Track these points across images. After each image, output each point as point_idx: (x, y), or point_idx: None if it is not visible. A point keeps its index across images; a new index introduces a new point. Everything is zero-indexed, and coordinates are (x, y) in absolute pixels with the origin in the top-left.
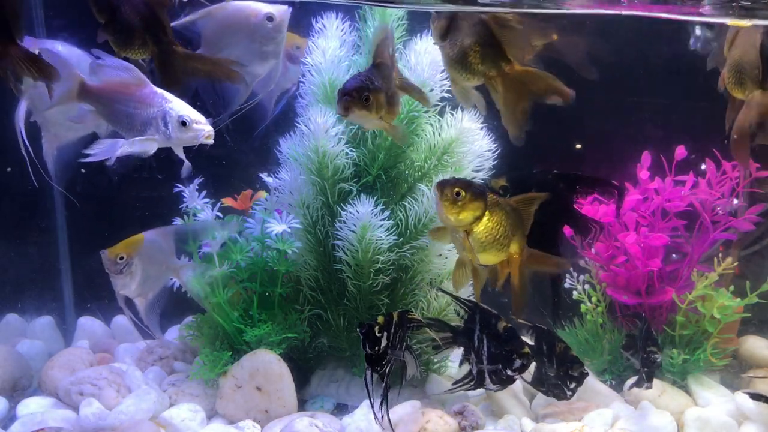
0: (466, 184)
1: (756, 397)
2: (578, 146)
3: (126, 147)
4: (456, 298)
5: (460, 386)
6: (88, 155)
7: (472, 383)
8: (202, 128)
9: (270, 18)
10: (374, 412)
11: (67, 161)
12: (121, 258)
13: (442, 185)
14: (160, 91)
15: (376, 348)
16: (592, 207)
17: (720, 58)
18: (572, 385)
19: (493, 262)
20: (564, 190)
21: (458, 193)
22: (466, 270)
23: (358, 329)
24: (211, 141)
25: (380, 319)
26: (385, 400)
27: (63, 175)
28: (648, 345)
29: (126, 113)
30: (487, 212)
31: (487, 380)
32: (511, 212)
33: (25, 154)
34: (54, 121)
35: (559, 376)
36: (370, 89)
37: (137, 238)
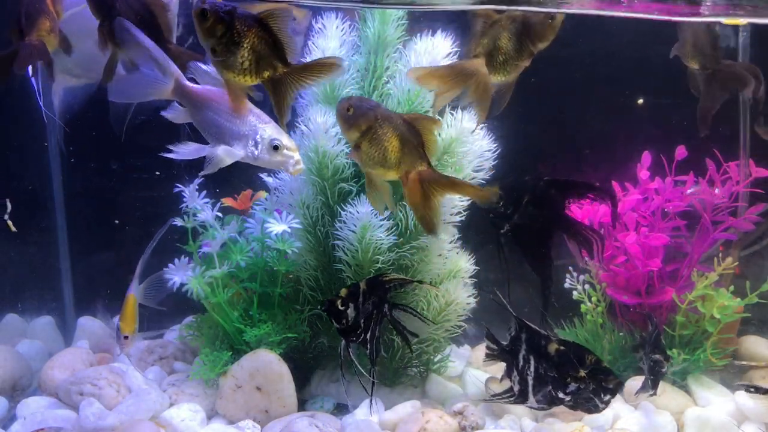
0: (358, 101)
1: (754, 389)
2: (582, 148)
3: (210, 154)
4: (513, 316)
5: (498, 399)
6: (169, 151)
7: (512, 398)
8: (293, 155)
9: None
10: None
11: (71, 103)
12: None
13: (338, 104)
14: (254, 108)
15: (344, 321)
16: (586, 210)
17: (684, 50)
18: (606, 398)
19: (388, 177)
20: (556, 196)
21: (348, 109)
22: (374, 185)
23: (319, 307)
24: (300, 168)
25: (342, 291)
26: (372, 366)
27: (65, 113)
28: (655, 352)
29: (216, 123)
30: (375, 127)
31: (531, 399)
32: (405, 129)
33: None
34: (66, 67)
35: (593, 390)
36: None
37: None
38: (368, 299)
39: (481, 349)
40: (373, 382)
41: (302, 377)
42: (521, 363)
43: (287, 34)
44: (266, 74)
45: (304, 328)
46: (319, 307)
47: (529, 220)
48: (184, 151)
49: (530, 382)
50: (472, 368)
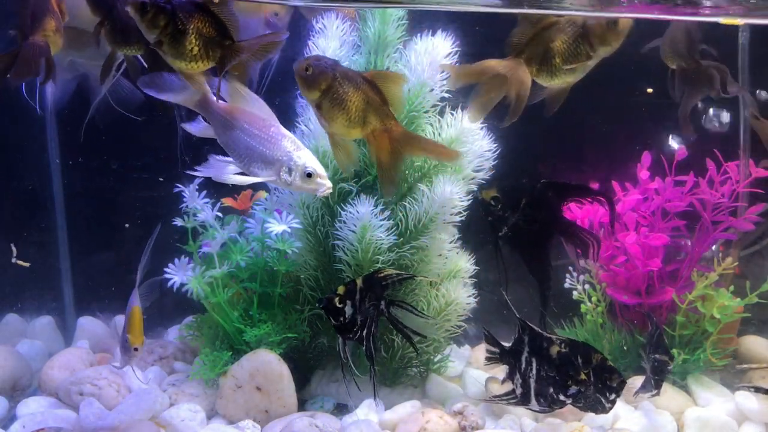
0: (315, 59)
1: (755, 389)
2: (582, 148)
3: (236, 176)
4: (517, 318)
5: (500, 400)
6: (192, 168)
7: (514, 401)
8: (325, 182)
9: None
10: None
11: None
12: None
13: (296, 63)
14: (286, 132)
15: (341, 318)
16: (586, 210)
17: (662, 48)
18: (612, 396)
19: (351, 136)
20: (553, 199)
21: (307, 68)
22: (339, 147)
23: (317, 304)
24: (329, 192)
25: (340, 289)
26: (371, 364)
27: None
28: (659, 352)
29: (247, 144)
30: (335, 86)
31: (533, 401)
32: (367, 87)
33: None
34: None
35: (598, 389)
36: None
37: None
38: (366, 296)
39: (482, 349)
40: (374, 380)
41: (302, 377)
42: (523, 365)
43: (229, 12)
44: (216, 57)
45: (304, 328)
46: (317, 304)
47: (527, 223)
48: (208, 169)
49: (532, 385)
50: (472, 368)
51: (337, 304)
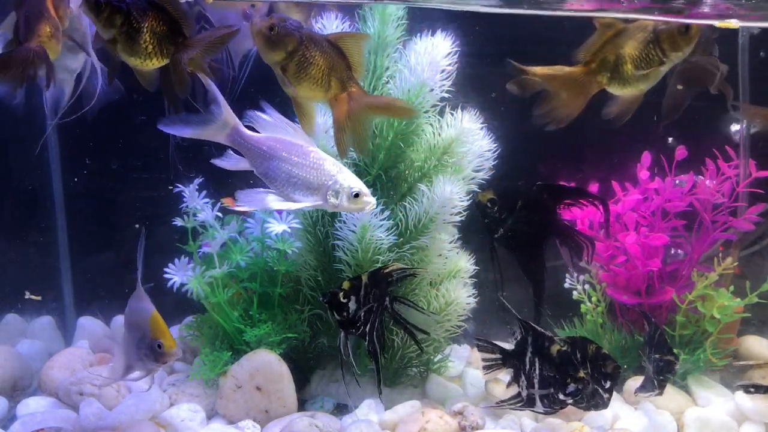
0: (279, 20)
1: (754, 388)
2: (582, 148)
3: (277, 203)
4: (518, 318)
5: (507, 405)
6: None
7: (520, 404)
8: (370, 200)
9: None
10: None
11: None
12: None
13: (257, 24)
14: (325, 155)
15: (345, 313)
16: (587, 211)
17: None
18: (608, 384)
19: (314, 100)
20: (548, 202)
21: (272, 28)
22: (302, 109)
23: (321, 299)
24: (373, 208)
25: (345, 284)
26: (374, 360)
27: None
28: (664, 352)
29: (289, 173)
30: (301, 48)
31: (538, 403)
32: (331, 50)
33: None
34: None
35: (594, 378)
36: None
37: None
38: (370, 292)
39: None
40: (379, 375)
41: (302, 377)
42: (528, 367)
43: (181, 9)
44: (169, 53)
45: (304, 328)
46: (321, 298)
47: (523, 225)
48: (248, 200)
49: (536, 386)
50: (472, 368)
51: (341, 299)
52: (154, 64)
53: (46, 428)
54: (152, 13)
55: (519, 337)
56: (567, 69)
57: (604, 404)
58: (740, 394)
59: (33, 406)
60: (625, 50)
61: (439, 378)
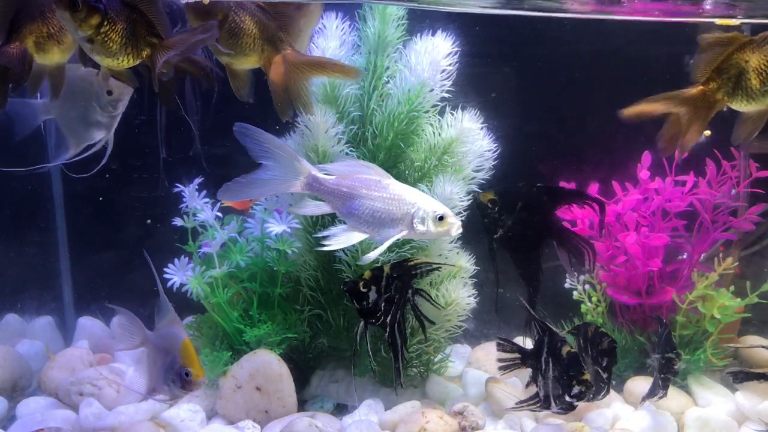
0: None
1: (743, 374)
2: (582, 148)
3: (365, 234)
4: (534, 318)
5: (525, 406)
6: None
7: (538, 405)
8: (455, 221)
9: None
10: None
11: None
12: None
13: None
14: (401, 184)
15: (365, 303)
16: (587, 212)
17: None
18: (605, 362)
19: (248, 65)
20: (547, 204)
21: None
22: (237, 76)
23: (342, 287)
24: (460, 232)
25: (366, 274)
26: (393, 351)
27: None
28: (668, 351)
29: (371, 208)
30: (231, 16)
31: (553, 404)
32: (261, 15)
33: None
34: (74, 124)
35: (593, 358)
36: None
37: None
38: (392, 283)
39: (482, 349)
40: (400, 365)
41: (302, 377)
42: (543, 367)
43: (156, 8)
44: (144, 54)
45: (304, 328)
46: (341, 287)
47: (522, 226)
48: (340, 241)
49: (550, 387)
50: (472, 368)
51: (361, 289)
52: (129, 64)
53: (46, 428)
54: (127, 12)
55: (536, 337)
56: (684, 93)
57: (607, 390)
58: (741, 394)
59: (33, 406)
60: (751, 64)
61: (439, 378)
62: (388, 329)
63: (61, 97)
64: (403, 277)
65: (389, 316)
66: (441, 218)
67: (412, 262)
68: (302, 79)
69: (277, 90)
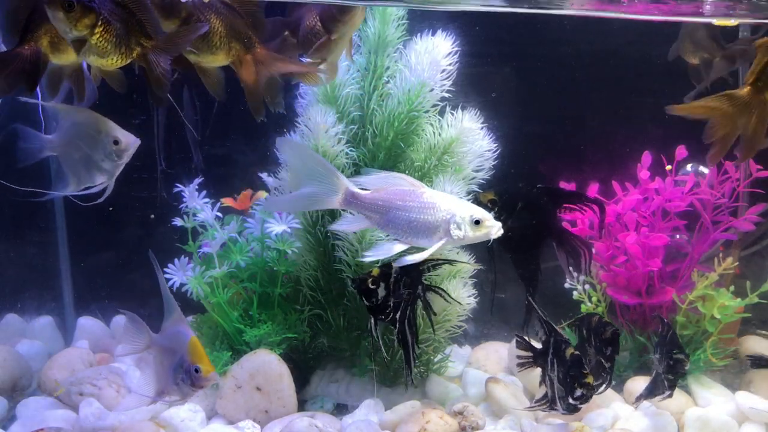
0: None
1: (763, 361)
2: (582, 148)
3: (406, 245)
4: (542, 319)
5: (537, 406)
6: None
7: (547, 405)
8: (493, 223)
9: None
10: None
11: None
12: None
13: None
14: (435, 191)
15: (373, 299)
16: (589, 213)
17: (683, 48)
18: (609, 351)
19: (217, 63)
20: (547, 205)
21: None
22: (207, 74)
23: (350, 283)
24: (500, 234)
25: (375, 271)
26: (403, 347)
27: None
28: (675, 351)
29: (407, 219)
30: (197, 14)
31: (559, 405)
32: (228, 12)
33: None
34: (76, 164)
35: (596, 347)
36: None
37: None
38: (401, 280)
39: (482, 349)
40: (412, 362)
41: (302, 377)
42: (549, 368)
43: (146, 7)
44: (135, 53)
45: (304, 328)
46: (351, 283)
47: (521, 227)
48: (378, 253)
49: (555, 388)
50: (472, 368)
51: (370, 286)
52: (119, 63)
53: (46, 428)
54: (120, 12)
55: (543, 337)
56: (731, 94)
57: (608, 381)
58: (741, 394)
59: (33, 406)
60: None
61: (439, 378)
62: (398, 325)
63: (66, 137)
64: (411, 274)
65: (399, 312)
66: (478, 222)
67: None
68: (273, 78)
69: (249, 89)
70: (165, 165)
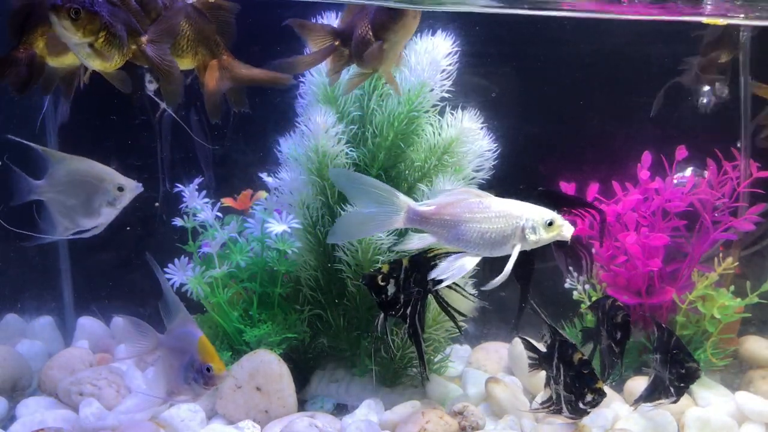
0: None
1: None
2: (583, 148)
3: (477, 257)
4: (547, 324)
5: (541, 408)
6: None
7: (552, 408)
8: (564, 222)
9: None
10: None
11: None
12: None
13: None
14: (503, 201)
15: (383, 296)
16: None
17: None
18: (619, 336)
19: (182, 66)
20: (547, 206)
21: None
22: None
23: (360, 279)
24: (571, 233)
25: (384, 267)
26: (414, 342)
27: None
28: (687, 360)
29: (479, 231)
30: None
31: (564, 408)
32: (197, 17)
33: None
34: (69, 211)
35: (607, 330)
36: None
37: None
38: (411, 276)
39: (482, 350)
40: (422, 359)
41: (302, 377)
42: (554, 371)
43: (131, 5)
44: (132, 51)
45: (304, 328)
46: (360, 280)
47: None
48: (452, 274)
49: (561, 392)
50: (472, 368)
51: (380, 282)
52: (119, 65)
53: (46, 428)
54: (117, 12)
55: (548, 341)
56: None
57: (619, 366)
58: (741, 394)
59: (33, 406)
60: None
61: (439, 378)
62: (408, 320)
63: (59, 185)
64: (421, 269)
65: (409, 308)
66: (551, 223)
67: (431, 254)
68: (235, 85)
69: (208, 93)
70: (169, 186)
